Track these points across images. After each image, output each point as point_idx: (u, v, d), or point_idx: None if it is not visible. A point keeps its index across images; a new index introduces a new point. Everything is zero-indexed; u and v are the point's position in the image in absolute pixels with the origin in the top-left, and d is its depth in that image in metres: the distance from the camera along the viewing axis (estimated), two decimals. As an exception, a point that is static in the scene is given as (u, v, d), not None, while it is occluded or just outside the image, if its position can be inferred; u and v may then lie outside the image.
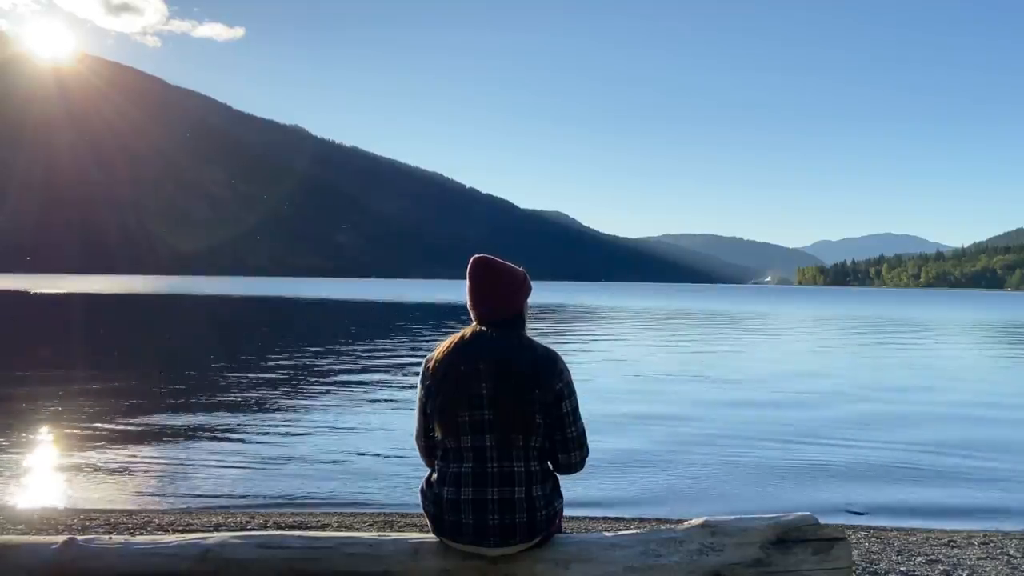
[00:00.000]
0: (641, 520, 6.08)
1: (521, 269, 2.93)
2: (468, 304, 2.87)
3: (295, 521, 5.78)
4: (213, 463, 7.98)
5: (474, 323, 2.86)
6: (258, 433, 9.57)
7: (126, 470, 7.64)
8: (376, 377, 15.37)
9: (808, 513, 2.86)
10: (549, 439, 2.77)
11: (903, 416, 11.38)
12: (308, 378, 14.92)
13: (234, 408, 11.36)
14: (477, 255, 2.87)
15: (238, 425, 10.05)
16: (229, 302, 58.39)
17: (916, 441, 9.48)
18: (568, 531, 3.10)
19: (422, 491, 2.81)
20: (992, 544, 5.26)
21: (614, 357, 20.09)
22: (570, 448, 2.80)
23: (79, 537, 2.80)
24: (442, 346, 2.82)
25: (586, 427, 2.86)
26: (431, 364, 2.80)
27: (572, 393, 2.80)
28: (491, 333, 2.78)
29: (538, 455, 2.73)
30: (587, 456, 2.87)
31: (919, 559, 4.82)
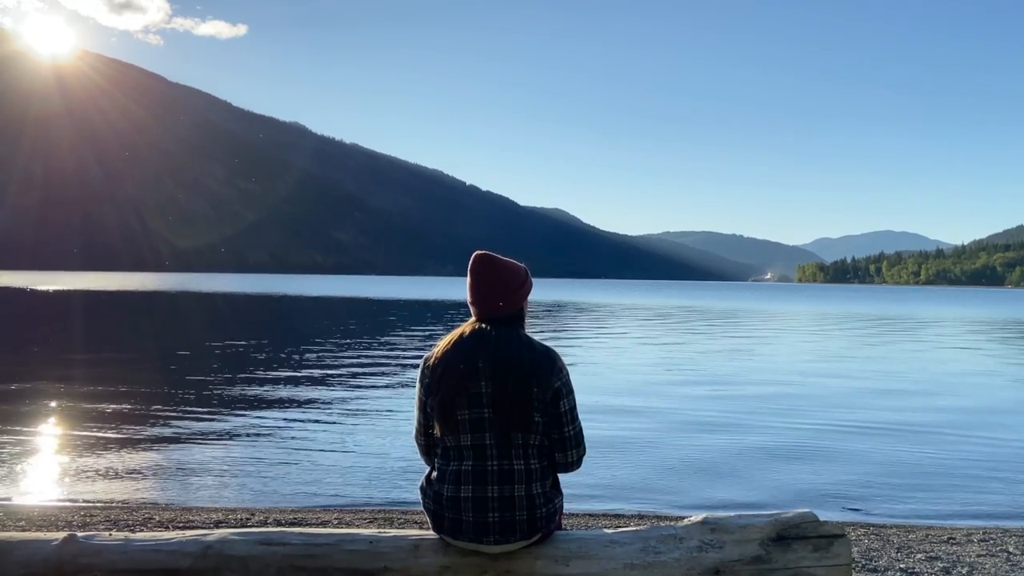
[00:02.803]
0: (641, 517, 6.09)
1: (523, 266, 2.92)
2: (468, 300, 2.87)
3: (295, 518, 5.79)
4: (213, 460, 7.98)
5: (473, 319, 2.86)
6: (258, 430, 9.57)
7: (126, 466, 7.65)
8: (376, 374, 15.37)
9: (808, 510, 2.86)
10: (547, 437, 2.78)
11: (902, 413, 11.37)
12: (307, 375, 14.92)
13: (234, 405, 11.36)
14: (479, 251, 2.87)
15: (238, 422, 10.05)
16: (229, 299, 58.40)
17: (915, 439, 9.49)
18: (568, 528, 3.10)
19: (422, 488, 2.81)
20: (992, 541, 5.27)
21: (614, 353, 20.10)
22: (567, 447, 2.80)
23: (79, 533, 2.80)
24: (441, 344, 2.82)
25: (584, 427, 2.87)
26: (430, 362, 2.80)
27: (570, 392, 2.80)
28: (490, 330, 2.77)
29: (537, 453, 2.73)
30: (585, 455, 2.87)
31: (918, 556, 4.83)
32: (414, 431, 2.89)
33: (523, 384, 2.67)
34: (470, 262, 2.84)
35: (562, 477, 2.88)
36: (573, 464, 2.84)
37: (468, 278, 2.86)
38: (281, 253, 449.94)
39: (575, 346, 21.66)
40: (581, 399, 2.92)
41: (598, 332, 29.12)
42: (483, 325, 2.80)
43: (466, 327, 2.83)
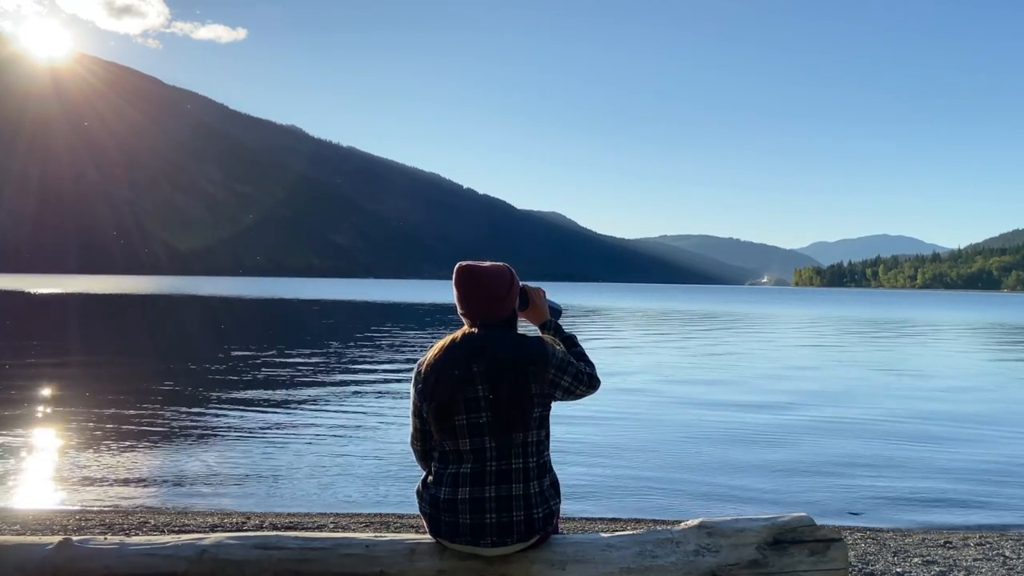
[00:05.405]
0: (638, 521, 6.08)
1: (507, 268, 2.89)
2: (459, 311, 2.86)
3: (291, 522, 5.77)
4: (209, 464, 7.97)
5: (466, 326, 2.85)
6: (254, 434, 9.55)
7: (122, 470, 7.63)
8: (372, 378, 15.38)
9: (804, 514, 2.86)
10: (569, 397, 2.84)
11: (899, 417, 11.38)
12: (304, 379, 14.91)
13: (230, 409, 11.34)
14: (461, 263, 2.84)
15: (234, 426, 10.04)
16: (226, 302, 58.32)
17: (913, 442, 9.50)
18: (565, 532, 3.10)
19: (418, 492, 2.81)
20: (988, 545, 5.27)
21: (611, 358, 20.08)
22: (586, 394, 2.88)
23: (75, 538, 2.79)
24: (434, 349, 2.82)
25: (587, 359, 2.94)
26: (423, 367, 2.80)
27: (566, 366, 2.79)
28: (483, 334, 2.77)
29: (536, 449, 2.73)
30: (597, 377, 2.91)
31: (915, 560, 4.83)
32: (410, 436, 2.90)
33: (520, 384, 2.67)
34: (453, 275, 2.83)
35: (561, 478, 2.89)
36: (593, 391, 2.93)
37: (454, 291, 2.85)
38: (278, 256, 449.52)
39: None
40: (571, 402, 2.95)
41: (596, 336, 29.10)
42: (475, 330, 2.80)
43: (458, 333, 2.83)
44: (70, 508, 6.34)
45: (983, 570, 4.64)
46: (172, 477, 7.42)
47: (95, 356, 19.05)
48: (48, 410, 10.88)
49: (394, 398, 12.58)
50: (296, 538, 2.80)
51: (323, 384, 14.17)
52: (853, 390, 14.50)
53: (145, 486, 7.12)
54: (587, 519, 6.10)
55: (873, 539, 5.41)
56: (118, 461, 7.99)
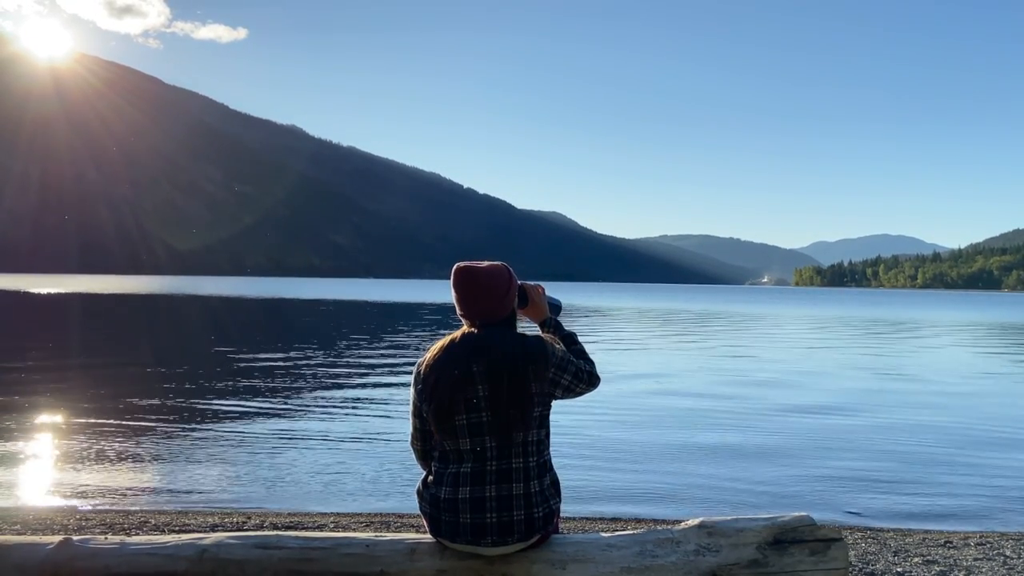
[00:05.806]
0: (638, 521, 6.09)
1: (504, 267, 2.88)
2: (458, 312, 2.87)
3: (291, 521, 5.78)
4: (210, 463, 7.97)
5: (465, 327, 2.85)
6: (254, 433, 9.55)
7: (122, 470, 7.63)
8: (372, 378, 15.37)
9: (804, 514, 2.86)
10: (569, 394, 2.86)
11: (900, 417, 11.38)
12: (305, 379, 14.90)
13: (230, 408, 11.34)
14: (458, 264, 2.85)
15: (235, 425, 10.03)
16: (227, 302, 58.29)
17: (913, 442, 9.50)
18: (565, 532, 3.10)
19: (418, 492, 2.81)
20: (988, 545, 5.27)
21: (612, 357, 20.07)
22: (586, 392, 2.91)
23: (75, 537, 2.79)
24: (433, 349, 2.82)
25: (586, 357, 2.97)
26: (423, 368, 2.80)
27: (566, 364, 2.80)
28: (483, 334, 2.78)
29: (536, 449, 2.73)
30: (597, 375, 2.94)
31: (915, 560, 4.83)
32: (410, 436, 2.90)
33: (520, 383, 2.68)
34: (452, 277, 2.83)
35: (560, 479, 2.89)
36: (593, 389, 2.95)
37: (453, 292, 2.85)
38: (278, 256, 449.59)
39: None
40: (572, 402, 2.93)
41: (596, 336, 29.10)
42: (474, 330, 2.81)
43: (457, 333, 2.83)
44: (71, 508, 6.34)
45: (983, 570, 4.64)
46: (172, 477, 7.42)
47: (96, 356, 19.05)
48: (49, 410, 10.87)
49: (394, 398, 12.57)
50: (296, 538, 2.80)
51: (323, 384, 14.17)
52: (853, 390, 14.48)
53: (145, 486, 7.12)
54: (587, 519, 6.10)
55: (874, 539, 5.41)
56: (118, 461, 7.99)
